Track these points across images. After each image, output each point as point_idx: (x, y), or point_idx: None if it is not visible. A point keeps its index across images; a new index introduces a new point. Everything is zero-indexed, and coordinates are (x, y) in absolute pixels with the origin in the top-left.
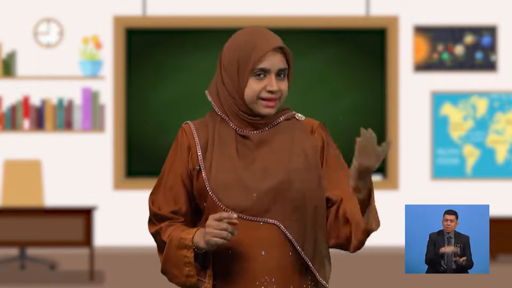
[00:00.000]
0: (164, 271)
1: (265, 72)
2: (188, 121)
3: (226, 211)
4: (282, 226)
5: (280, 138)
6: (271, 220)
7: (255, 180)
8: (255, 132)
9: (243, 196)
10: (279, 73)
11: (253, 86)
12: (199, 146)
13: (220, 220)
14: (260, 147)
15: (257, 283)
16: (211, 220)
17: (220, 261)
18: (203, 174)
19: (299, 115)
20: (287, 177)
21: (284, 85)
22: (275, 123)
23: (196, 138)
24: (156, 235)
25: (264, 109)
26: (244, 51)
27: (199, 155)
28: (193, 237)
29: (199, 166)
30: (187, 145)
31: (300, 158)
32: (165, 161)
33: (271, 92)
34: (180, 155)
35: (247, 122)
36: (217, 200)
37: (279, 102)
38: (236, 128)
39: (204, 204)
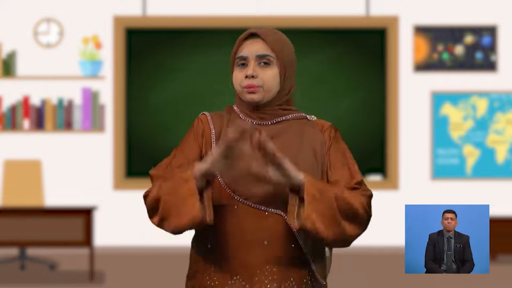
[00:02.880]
0: (162, 219)
1: (244, 60)
2: (205, 112)
3: (232, 196)
4: (286, 217)
5: (290, 134)
6: (276, 211)
7: (263, 170)
8: (263, 123)
9: (250, 183)
10: (260, 61)
11: (236, 76)
12: (213, 132)
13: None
14: (270, 141)
15: (258, 271)
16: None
17: (222, 247)
18: None
19: (312, 116)
20: None
21: (266, 73)
22: (284, 118)
23: (212, 125)
24: (149, 193)
25: (247, 96)
26: (233, 48)
27: (213, 141)
28: (193, 168)
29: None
30: (201, 132)
31: (309, 154)
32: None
33: (247, 77)
34: (193, 140)
35: (251, 112)
36: (223, 183)
37: (263, 90)
38: (247, 119)
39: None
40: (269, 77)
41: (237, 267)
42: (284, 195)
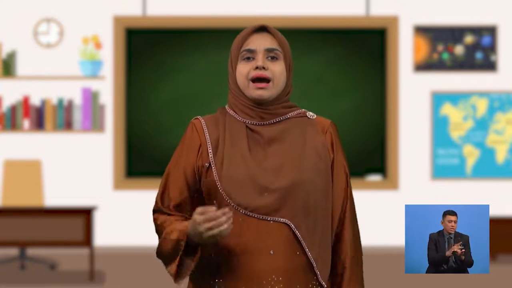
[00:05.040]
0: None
1: (252, 53)
2: (198, 117)
3: (236, 209)
4: (292, 225)
5: (291, 136)
6: (281, 219)
7: (267, 178)
8: (263, 123)
9: (254, 194)
10: (269, 55)
11: (241, 70)
12: (209, 143)
13: (203, 213)
14: (271, 144)
15: (264, 282)
16: (198, 216)
17: (227, 258)
18: (214, 171)
19: (311, 113)
20: (300, 176)
21: (275, 67)
22: (284, 117)
23: (207, 134)
24: (157, 226)
25: (255, 91)
26: (235, 42)
27: (210, 152)
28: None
29: (209, 163)
30: (197, 142)
31: (313, 157)
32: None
33: (257, 68)
34: (186, 151)
35: (251, 110)
36: (228, 198)
37: (273, 85)
38: (244, 121)
39: (214, 201)
40: (279, 71)
41: (243, 277)
42: (286, 203)
